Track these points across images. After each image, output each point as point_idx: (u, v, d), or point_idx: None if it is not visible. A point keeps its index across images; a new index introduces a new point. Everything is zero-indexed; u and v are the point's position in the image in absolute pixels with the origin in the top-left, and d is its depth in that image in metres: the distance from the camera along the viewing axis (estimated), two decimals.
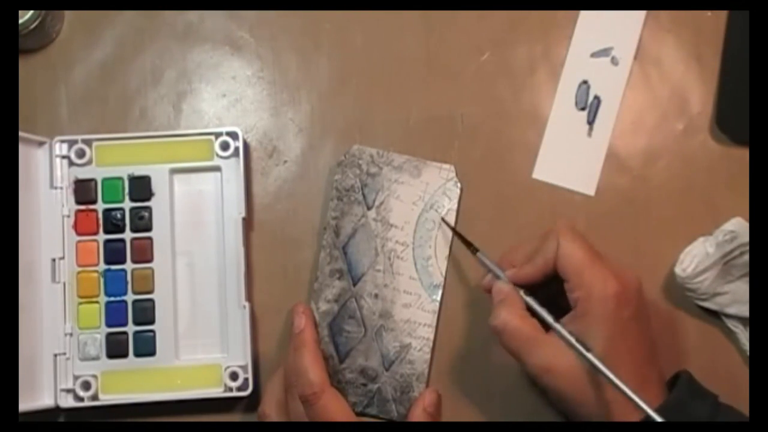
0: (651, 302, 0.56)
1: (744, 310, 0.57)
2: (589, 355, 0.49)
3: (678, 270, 0.56)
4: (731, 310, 0.57)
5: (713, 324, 0.59)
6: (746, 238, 0.55)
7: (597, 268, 0.51)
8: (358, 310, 0.59)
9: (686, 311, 0.59)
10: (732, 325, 0.58)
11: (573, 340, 0.50)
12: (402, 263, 0.59)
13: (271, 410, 0.56)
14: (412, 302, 0.59)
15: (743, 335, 0.57)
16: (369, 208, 0.60)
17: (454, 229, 0.59)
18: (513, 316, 0.52)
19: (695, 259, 0.56)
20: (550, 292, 0.54)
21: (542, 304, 0.53)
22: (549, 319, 0.52)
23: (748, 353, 0.58)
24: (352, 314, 0.59)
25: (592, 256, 0.52)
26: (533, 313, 0.53)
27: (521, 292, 0.54)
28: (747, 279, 0.56)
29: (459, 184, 0.60)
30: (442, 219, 0.59)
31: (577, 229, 0.54)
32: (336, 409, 0.53)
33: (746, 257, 0.56)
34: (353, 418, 0.54)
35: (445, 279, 0.59)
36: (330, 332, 0.59)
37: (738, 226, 0.56)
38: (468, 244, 0.57)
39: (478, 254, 0.57)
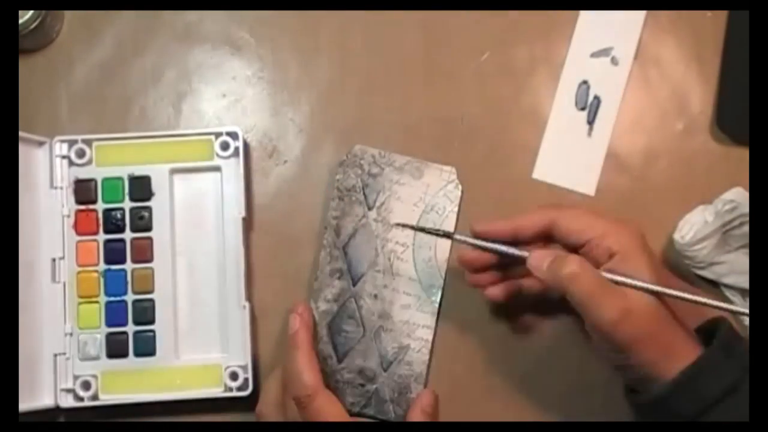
0: None
1: (740, 281, 0.57)
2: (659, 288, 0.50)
3: (677, 237, 0.56)
4: (728, 280, 0.57)
5: (711, 294, 0.57)
6: (746, 209, 0.55)
7: (605, 219, 0.52)
8: (357, 311, 0.59)
9: (684, 281, 0.59)
10: (730, 294, 0.57)
11: (647, 284, 0.50)
12: (402, 264, 0.59)
13: (268, 410, 0.56)
14: (412, 303, 0.59)
15: (742, 306, 0.57)
16: (370, 209, 0.60)
17: (414, 228, 0.58)
18: (585, 263, 0.51)
19: (694, 226, 0.56)
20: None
21: None
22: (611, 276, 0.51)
23: (745, 322, 0.57)
24: (352, 314, 0.59)
25: (594, 213, 0.53)
26: None
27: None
28: (745, 250, 0.56)
29: (460, 187, 0.60)
30: (397, 224, 0.59)
31: None
32: (329, 411, 0.52)
33: (745, 228, 0.56)
34: (347, 420, 0.54)
35: (445, 281, 0.59)
36: (329, 332, 0.59)
37: (738, 196, 0.56)
38: (438, 234, 0.56)
39: (454, 236, 0.55)
